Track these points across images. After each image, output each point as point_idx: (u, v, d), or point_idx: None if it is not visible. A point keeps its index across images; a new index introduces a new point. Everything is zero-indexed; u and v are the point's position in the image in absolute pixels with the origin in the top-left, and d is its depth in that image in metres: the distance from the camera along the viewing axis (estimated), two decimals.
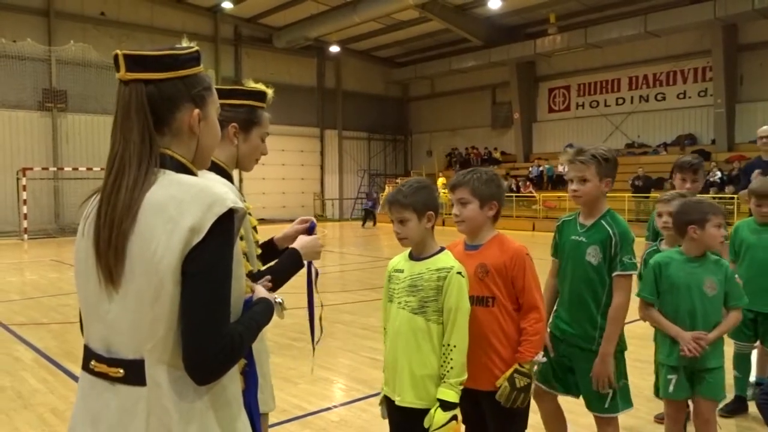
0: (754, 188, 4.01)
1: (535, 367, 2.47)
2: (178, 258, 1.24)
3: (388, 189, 28.39)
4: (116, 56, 1.36)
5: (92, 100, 20.97)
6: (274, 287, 1.99)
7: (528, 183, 23.44)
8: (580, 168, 2.73)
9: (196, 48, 1.43)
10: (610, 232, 2.71)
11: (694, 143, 21.61)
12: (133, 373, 1.28)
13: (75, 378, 5.07)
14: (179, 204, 1.27)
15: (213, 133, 1.48)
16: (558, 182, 22.93)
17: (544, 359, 2.54)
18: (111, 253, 1.27)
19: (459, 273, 2.32)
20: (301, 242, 2.26)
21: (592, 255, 2.72)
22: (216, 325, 1.26)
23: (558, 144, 25.79)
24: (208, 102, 1.44)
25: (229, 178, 2.10)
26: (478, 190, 2.47)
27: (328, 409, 4.35)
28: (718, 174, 18.80)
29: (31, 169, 19.64)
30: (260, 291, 1.56)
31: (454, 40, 25.62)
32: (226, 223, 1.29)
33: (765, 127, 5.43)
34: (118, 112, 1.35)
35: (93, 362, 1.35)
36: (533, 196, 22.54)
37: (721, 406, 4.00)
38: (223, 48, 25.05)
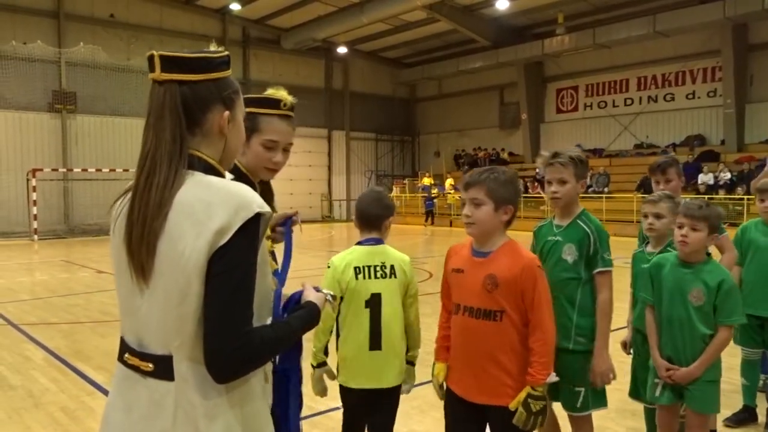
0: (758, 185, 3.91)
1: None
2: (205, 259, 1.28)
3: (396, 190, 28.47)
4: (152, 56, 1.39)
5: (101, 102, 21.13)
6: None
7: (536, 184, 23.38)
8: (559, 170, 2.77)
9: (227, 52, 1.48)
10: (587, 230, 2.75)
11: (704, 144, 21.49)
12: (162, 368, 1.34)
13: (85, 377, 5.11)
14: (207, 206, 1.30)
15: (239, 135, 1.52)
16: None
17: (557, 378, 2.45)
18: (143, 249, 1.31)
19: (328, 266, 2.74)
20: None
21: (568, 253, 2.74)
22: (234, 325, 1.28)
23: (566, 144, 25.63)
24: (236, 105, 1.48)
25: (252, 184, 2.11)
26: (495, 191, 2.30)
27: (337, 408, 4.34)
28: (728, 175, 18.67)
29: (41, 170, 19.78)
30: (310, 293, 1.58)
31: (462, 40, 25.59)
32: (252, 227, 1.32)
33: None
34: (151, 111, 1.38)
35: (127, 355, 1.41)
36: (541, 197, 22.46)
37: (728, 415, 3.91)
38: (231, 49, 24.14)
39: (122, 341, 1.44)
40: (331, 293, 1.68)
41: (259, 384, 1.44)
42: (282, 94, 2.17)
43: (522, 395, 2.27)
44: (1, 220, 19.63)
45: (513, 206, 2.35)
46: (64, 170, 20.79)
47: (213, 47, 1.49)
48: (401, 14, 22.66)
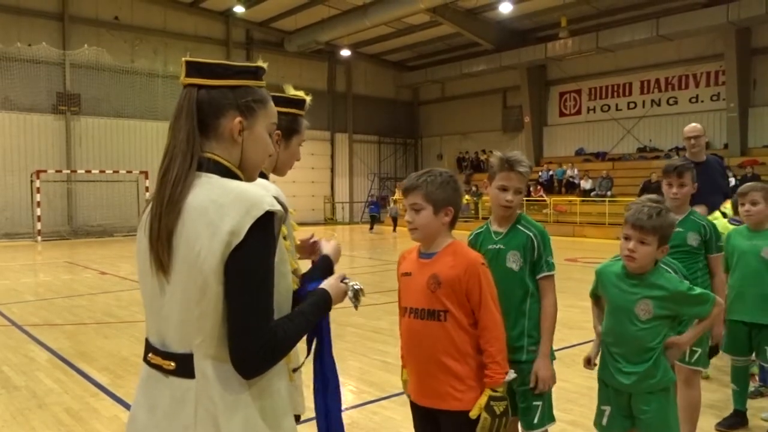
0: (739, 189, 3.83)
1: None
2: (220, 260, 1.32)
3: (398, 193, 28.48)
4: (183, 63, 1.48)
5: (105, 104, 21.22)
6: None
7: (539, 187, 23.39)
8: (520, 179, 2.70)
9: (259, 65, 1.53)
10: (530, 234, 2.66)
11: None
12: (183, 366, 1.39)
13: (89, 378, 5.13)
14: (219, 208, 1.34)
15: (260, 146, 1.53)
16: (569, 186, 22.86)
17: (515, 375, 2.35)
18: (160, 244, 1.38)
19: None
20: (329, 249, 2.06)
21: (513, 260, 2.64)
22: (257, 324, 1.33)
23: (569, 148, 25.74)
24: (257, 114, 1.50)
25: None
26: (432, 194, 2.29)
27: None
28: (732, 180, 18.63)
29: (45, 171, 19.88)
30: (327, 281, 1.64)
31: (465, 43, 25.63)
32: (265, 226, 1.35)
33: (692, 126, 4.89)
34: (174, 113, 1.46)
35: (150, 354, 1.46)
36: (544, 200, 22.48)
37: (719, 420, 3.92)
38: (235, 52, 25.21)
39: (147, 342, 1.49)
40: (358, 285, 1.68)
41: (278, 379, 1.47)
42: (304, 95, 2.24)
43: (483, 400, 2.20)
44: (5, 221, 19.71)
45: (453, 207, 2.32)
46: (68, 172, 20.86)
47: (260, 62, 1.54)
48: (404, 17, 22.70)
